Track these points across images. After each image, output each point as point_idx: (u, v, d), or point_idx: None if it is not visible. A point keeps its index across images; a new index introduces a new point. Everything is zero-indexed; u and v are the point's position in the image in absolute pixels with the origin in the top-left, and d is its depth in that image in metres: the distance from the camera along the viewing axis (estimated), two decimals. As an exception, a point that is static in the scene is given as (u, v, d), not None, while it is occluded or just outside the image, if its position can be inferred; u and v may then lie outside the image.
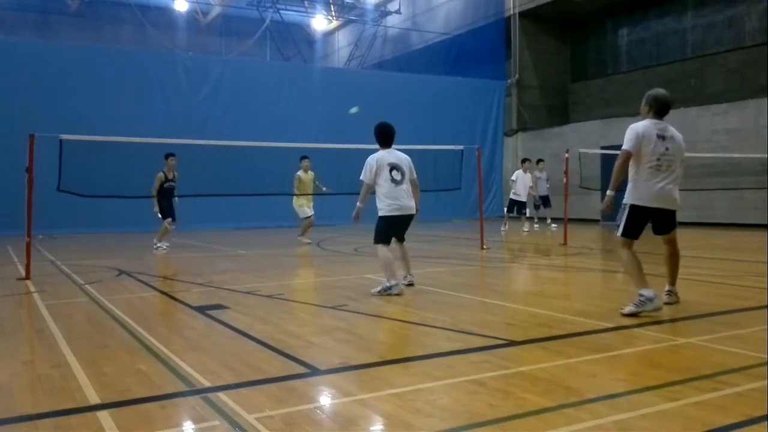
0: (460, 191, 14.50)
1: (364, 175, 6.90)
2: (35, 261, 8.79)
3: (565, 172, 13.08)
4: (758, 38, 17.43)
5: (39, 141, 8.32)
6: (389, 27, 28.65)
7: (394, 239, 7.09)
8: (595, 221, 17.84)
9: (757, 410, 3.08)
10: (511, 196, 16.18)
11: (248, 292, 7.09)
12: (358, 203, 6.98)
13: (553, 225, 16.74)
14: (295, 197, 13.11)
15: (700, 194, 17.32)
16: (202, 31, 29.00)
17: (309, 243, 13.03)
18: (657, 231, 6.03)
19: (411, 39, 27.48)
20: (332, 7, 29.70)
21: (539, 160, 17.73)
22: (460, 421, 3.04)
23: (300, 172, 13.18)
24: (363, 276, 8.21)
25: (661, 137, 5.75)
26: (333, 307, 6.00)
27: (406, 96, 21.30)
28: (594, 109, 21.95)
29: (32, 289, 7.37)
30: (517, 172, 16.29)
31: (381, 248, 6.84)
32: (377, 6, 28.97)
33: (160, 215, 12.14)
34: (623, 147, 5.69)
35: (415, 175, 7.18)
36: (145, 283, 7.76)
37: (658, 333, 4.76)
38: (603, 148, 18.50)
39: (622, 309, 5.47)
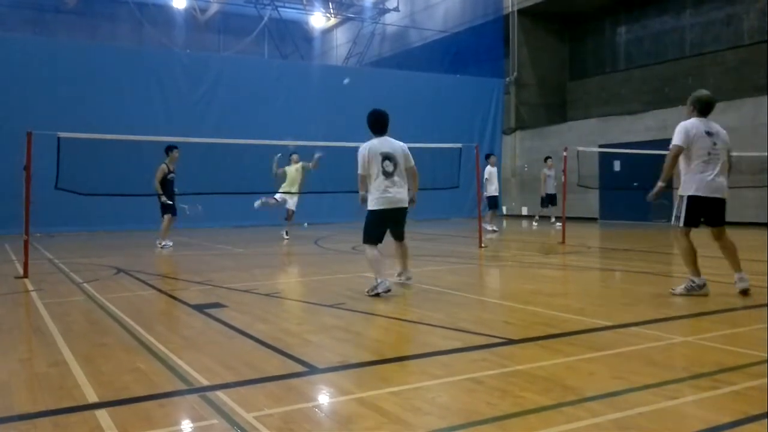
0: (458, 190, 14.51)
1: (360, 167, 6.64)
2: (33, 259, 8.78)
3: (564, 171, 13.09)
4: (757, 36, 17.43)
5: (37, 139, 8.30)
6: (388, 24, 28.62)
7: (392, 238, 6.86)
8: (593, 220, 17.84)
9: (755, 408, 3.09)
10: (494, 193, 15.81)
11: (246, 291, 7.09)
12: (360, 192, 6.74)
13: (558, 224, 16.61)
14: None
15: (698, 192, 17.34)
16: (200, 29, 28.93)
17: (287, 238, 13.05)
18: (710, 222, 6.42)
19: (409, 37, 27.46)
20: (330, 4, 29.64)
21: (547, 158, 17.50)
22: (458, 419, 3.04)
23: (289, 167, 13.33)
24: (361, 274, 8.20)
25: (709, 133, 6.31)
26: (331, 306, 6.00)
27: (404, 94, 21.26)
28: (592, 108, 21.96)
29: (30, 287, 7.36)
30: (487, 168, 15.80)
31: (369, 248, 6.59)
32: (375, 3, 28.93)
33: (162, 208, 12.12)
34: (674, 143, 6.32)
35: (412, 163, 6.83)
36: (144, 282, 7.75)
37: (657, 331, 4.76)
38: (601, 146, 18.54)
39: (673, 289, 6.33)
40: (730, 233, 6.63)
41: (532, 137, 22.80)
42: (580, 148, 15.78)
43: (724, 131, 6.51)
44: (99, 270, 8.90)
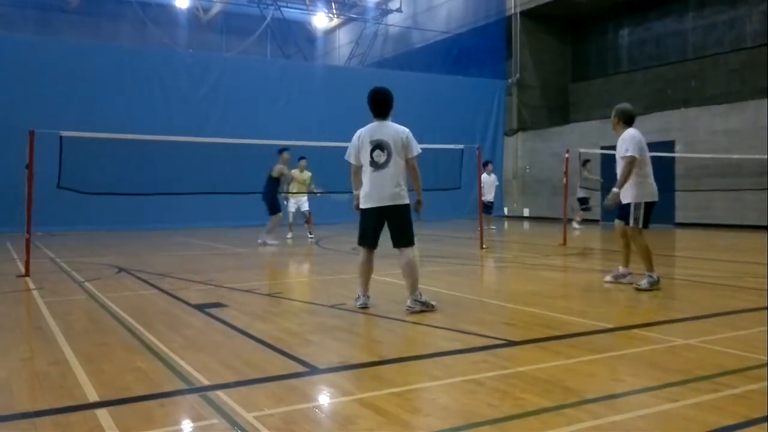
0: (460, 191, 14.51)
1: (347, 154, 5.79)
2: (35, 258, 8.79)
3: (565, 173, 13.08)
4: (759, 39, 17.43)
5: (39, 137, 8.31)
6: (390, 25, 28.63)
7: (393, 245, 5.84)
8: (595, 221, 17.83)
9: (756, 412, 3.09)
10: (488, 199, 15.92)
11: (247, 291, 7.10)
12: (354, 191, 5.85)
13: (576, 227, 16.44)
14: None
15: (700, 195, 17.34)
16: (203, 29, 28.96)
17: (275, 244, 12.87)
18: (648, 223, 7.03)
19: (412, 38, 27.47)
20: (333, 5, 29.67)
21: (586, 161, 17.14)
22: (458, 420, 3.04)
23: (295, 171, 13.35)
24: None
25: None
26: (332, 306, 6.00)
27: (406, 95, 21.14)
28: (594, 109, 21.95)
29: (31, 286, 7.37)
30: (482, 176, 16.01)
31: (360, 252, 5.84)
32: (378, 4, 28.95)
33: (271, 208, 12.50)
34: (630, 153, 6.77)
35: (413, 154, 5.73)
36: (145, 281, 7.75)
37: (657, 334, 4.76)
38: (603, 148, 18.51)
39: (638, 284, 6.80)
40: (731, 236, 6.69)
41: (534, 139, 22.80)
42: (582, 150, 15.79)
43: None
44: (100, 269, 8.91)
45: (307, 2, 28.77)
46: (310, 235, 13.75)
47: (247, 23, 27.32)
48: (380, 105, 5.79)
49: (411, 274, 5.70)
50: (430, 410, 3.16)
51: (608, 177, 19.81)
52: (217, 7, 28.71)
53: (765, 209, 15.55)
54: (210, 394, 3.42)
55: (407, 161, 5.71)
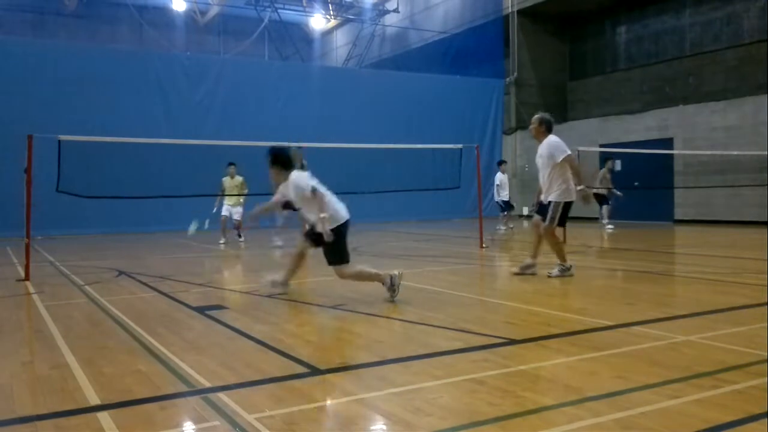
0: (459, 190, 14.52)
1: (310, 184, 6.12)
2: (34, 262, 8.79)
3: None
4: (757, 35, 17.43)
5: (37, 142, 8.30)
6: (387, 26, 28.64)
7: (308, 250, 6.53)
8: (594, 219, 17.84)
9: (757, 407, 3.09)
10: (506, 198, 16.28)
11: (248, 292, 7.10)
12: (321, 214, 6.02)
13: (609, 225, 16.34)
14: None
15: (699, 191, 17.35)
16: (201, 31, 28.96)
17: (223, 243, 13.22)
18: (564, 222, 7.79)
19: (409, 38, 27.48)
20: (330, 6, 29.67)
21: (607, 159, 16.89)
22: (460, 419, 3.04)
23: (225, 178, 13.44)
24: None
25: None
26: (332, 307, 6.00)
27: (404, 95, 21.30)
28: (593, 107, 21.97)
29: (31, 290, 7.36)
30: (497, 174, 16.37)
31: (351, 267, 6.25)
32: (375, 5, 28.95)
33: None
34: (567, 152, 7.57)
35: None
36: (145, 284, 7.75)
37: (658, 331, 4.76)
38: (602, 146, 18.54)
39: (549, 273, 7.52)
40: (731, 232, 6.74)
41: (532, 137, 22.77)
42: (581, 148, 15.77)
43: None
44: (100, 272, 8.91)
45: (304, 4, 28.77)
46: (239, 238, 13.79)
47: (244, 25, 27.34)
48: (292, 161, 6.58)
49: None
50: (432, 410, 3.15)
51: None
52: (214, 10, 28.71)
53: (764, 205, 15.56)
54: (211, 396, 3.41)
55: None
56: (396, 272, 6.26)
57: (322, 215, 6.00)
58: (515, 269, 7.94)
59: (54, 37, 24.05)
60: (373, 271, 6.32)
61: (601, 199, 16.89)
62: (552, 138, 7.71)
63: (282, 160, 6.47)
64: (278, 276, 6.68)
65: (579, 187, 7.68)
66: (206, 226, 12.11)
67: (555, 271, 7.55)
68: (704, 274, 8.13)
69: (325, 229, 5.95)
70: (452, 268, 9.38)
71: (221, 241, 13.59)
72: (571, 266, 7.59)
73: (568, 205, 7.56)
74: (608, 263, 10.02)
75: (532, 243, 7.97)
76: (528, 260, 7.84)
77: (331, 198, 6.22)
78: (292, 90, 19.83)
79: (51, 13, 26.04)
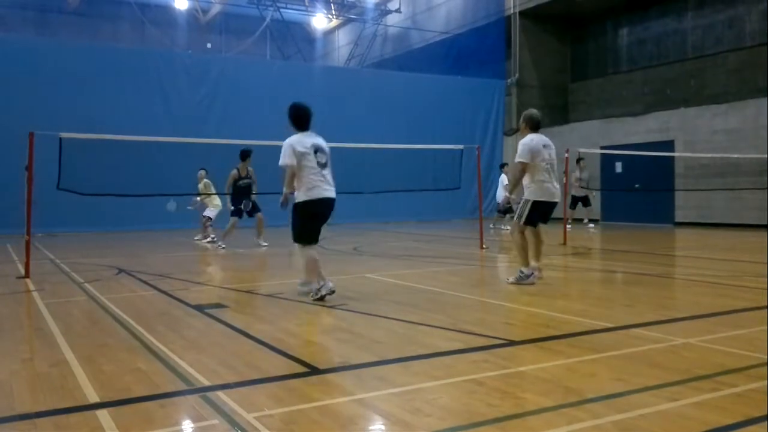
0: (460, 191, 14.51)
1: (285, 159, 6.15)
2: (35, 259, 8.79)
3: (565, 173, 13.09)
4: (758, 39, 17.42)
5: (38, 139, 8.31)
6: (389, 26, 28.64)
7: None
8: (595, 221, 17.84)
9: (756, 410, 3.09)
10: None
11: (248, 291, 7.10)
12: (284, 189, 6.24)
13: (591, 225, 16.56)
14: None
15: (699, 194, 17.34)
16: (202, 30, 28.98)
17: (206, 241, 13.18)
18: (543, 220, 7.47)
19: (411, 38, 27.48)
20: (332, 5, 29.69)
21: (579, 159, 16.87)
22: (459, 420, 3.04)
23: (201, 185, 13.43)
24: (362, 275, 8.21)
25: (545, 146, 7.31)
26: (332, 307, 6.00)
27: (405, 95, 21.30)
28: (594, 109, 21.96)
29: (32, 287, 7.37)
30: (502, 176, 16.20)
31: (304, 249, 6.20)
32: (377, 5, 28.96)
33: (231, 212, 12.36)
34: (519, 160, 7.25)
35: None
36: (145, 282, 7.76)
37: (658, 333, 4.76)
38: (603, 147, 18.54)
39: (508, 279, 7.34)
40: (731, 235, 6.69)
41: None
42: (582, 150, 15.79)
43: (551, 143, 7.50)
44: (100, 270, 8.91)
45: (307, 3, 28.78)
46: (197, 239, 13.79)
47: (246, 24, 27.34)
48: (307, 118, 6.50)
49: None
50: (431, 410, 3.16)
51: (607, 177, 19.98)
52: (216, 8, 28.73)
53: (765, 208, 15.55)
54: (210, 394, 3.42)
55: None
56: (330, 285, 6.21)
57: (285, 190, 6.23)
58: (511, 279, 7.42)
59: (56, 35, 24.06)
60: (317, 270, 6.22)
61: (582, 201, 16.94)
62: (525, 138, 7.39)
63: (289, 115, 6.49)
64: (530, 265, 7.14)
65: (507, 194, 7.41)
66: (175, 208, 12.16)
67: (512, 278, 7.28)
68: (704, 276, 8.13)
69: (282, 199, 6.31)
70: (452, 269, 9.38)
71: (200, 238, 13.74)
72: (532, 273, 7.18)
73: (536, 204, 7.19)
74: (608, 265, 10.03)
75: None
76: (532, 263, 7.45)
77: (310, 174, 6.14)
78: (294, 89, 19.73)
79: (53, 11, 26.05)
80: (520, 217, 7.33)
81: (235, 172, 12.04)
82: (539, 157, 7.20)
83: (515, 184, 7.50)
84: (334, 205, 6.35)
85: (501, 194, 16.26)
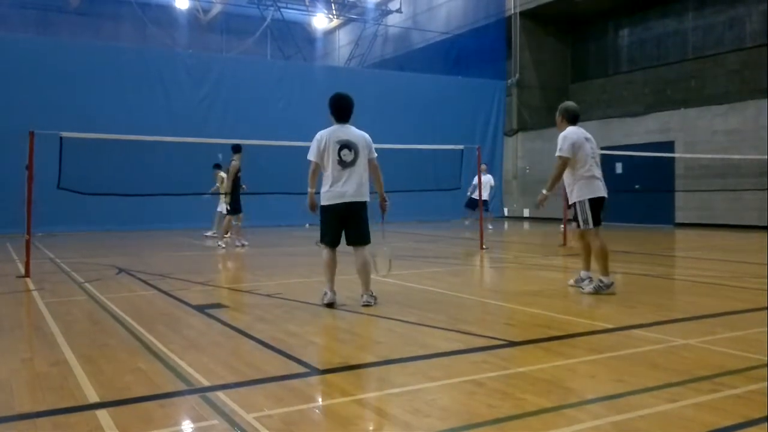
0: (460, 191, 14.52)
1: (310, 153, 5.95)
2: (35, 259, 8.79)
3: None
4: (759, 39, 17.42)
5: (39, 138, 8.31)
6: (390, 26, 28.65)
7: (347, 242, 5.97)
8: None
9: (756, 412, 3.09)
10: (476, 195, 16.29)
11: (248, 291, 7.10)
12: (309, 189, 5.98)
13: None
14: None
15: (700, 195, 17.34)
16: (203, 29, 28.98)
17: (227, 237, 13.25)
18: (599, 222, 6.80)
19: (411, 38, 27.49)
20: (333, 5, 29.69)
21: None
22: (458, 421, 3.04)
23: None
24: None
25: (587, 139, 6.86)
26: (332, 307, 5.99)
27: (406, 95, 21.30)
28: (594, 110, 21.96)
29: (32, 287, 7.37)
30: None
31: (323, 250, 5.98)
32: (378, 5, 28.96)
33: (227, 211, 12.41)
34: (559, 155, 6.72)
35: (375, 155, 6.10)
36: (145, 282, 7.76)
37: (657, 334, 4.76)
38: (603, 148, 18.50)
39: (582, 289, 6.69)
40: (731, 236, 6.67)
41: (533, 139, 22.80)
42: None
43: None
44: (100, 270, 8.91)
45: (307, 3, 28.78)
46: (211, 234, 14.01)
47: (247, 24, 27.35)
48: (346, 110, 6.16)
49: (367, 272, 6.06)
50: (430, 411, 3.16)
51: (607, 177, 19.89)
52: (217, 8, 28.73)
53: (765, 209, 15.55)
54: (210, 394, 3.42)
55: (370, 162, 6.04)
56: (330, 298, 5.94)
57: (309, 189, 6.01)
58: (571, 282, 7.11)
59: (57, 35, 24.07)
60: (330, 275, 6.01)
61: None
62: (565, 131, 6.85)
63: (329, 104, 6.22)
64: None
65: (544, 191, 6.83)
66: None
67: (589, 287, 6.68)
68: (704, 278, 8.12)
69: (308, 201, 6.05)
70: (452, 269, 9.37)
71: (212, 233, 14.07)
72: (612, 283, 6.63)
73: (592, 202, 6.64)
74: (609, 266, 10.01)
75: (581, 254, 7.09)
76: (582, 273, 7.01)
77: (329, 172, 5.84)
78: (294, 89, 19.82)
79: (54, 10, 26.07)
80: (586, 221, 6.68)
81: (236, 163, 11.99)
82: (582, 150, 6.69)
83: (555, 181, 6.82)
84: (359, 207, 5.87)
85: (472, 192, 16.26)
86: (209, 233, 14.08)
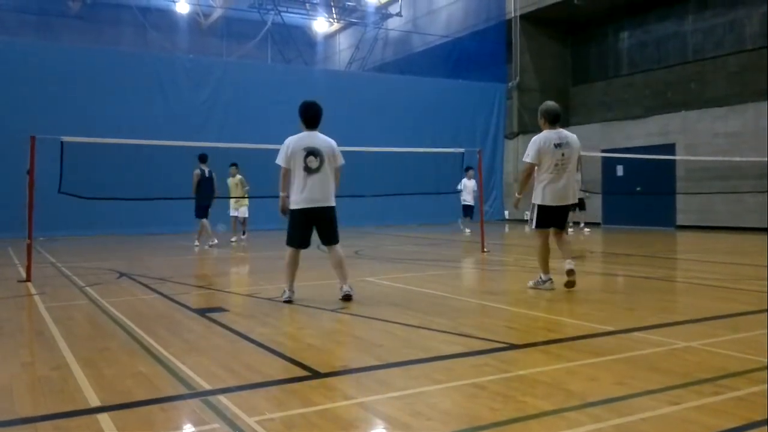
0: (461, 194, 14.51)
1: (278, 158, 6.25)
2: (36, 263, 8.79)
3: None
4: (759, 42, 17.43)
5: (40, 143, 8.32)
6: (390, 30, 28.67)
7: (322, 244, 6.50)
8: (596, 224, 17.85)
9: (757, 414, 3.08)
10: (463, 202, 16.48)
11: (248, 295, 7.10)
12: (280, 192, 6.36)
13: (587, 229, 16.78)
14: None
15: (700, 197, 17.34)
16: (204, 33, 29.01)
17: (234, 240, 14.03)
18: (558, 225, 7.12)
19: (412, 42, 27.51)
20: (333, 9, 29.73)
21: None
22: (460, 424, 3.04)
23: (228, 179, 13.92)
24: (363, 279, 8.20)
25: (558, 145, 6.88)
26: (333, 310, 6.00)
27: (406, 99, 21.32)
28: (595, 113, 21.97)
29: (33, 291, 7.37)
30: (463, 180, 16.08)
31: (288, 251, 6.34)
32: (378, 9, 29.00)
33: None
34: (525, 161, 6.93)
35: (339, 162, 6.39)
36: (146, 286, 7.76)
37: (659, 337, 4.75)
38: (604, 151, 18.54)
39: (529, 283, 7.15)
40: (732, 239, 6.67)
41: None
42: (583, 153, 15.73)
43: (574, 136, 7.12)
44: (101, 274, 8.91)
45: (308, 7, 28.82)
46: (242, 236, 14.41)
47: (247, 28, 27.37)
48: (314, 117, 6.41)
49: (343, 266, 6.47)
50: (432, 414, 3.15)
51: (608, 180, 19.96)
52: (217, 12, 28.77)
53: (765, 212, 15.54)
54: (211, 398, 3.41)
55: (336, 169, 6.39)
56: (288, 296, 6.30)
57: (280, 193, 6.37)
58: (530, 284, 7.30)
59: (57, 39, 24.08)
60: (291, 275, 6.37)
61: (578, 204, 16.92)
62: (537, 136, 7.02)
63: (298, 112, 6.43)
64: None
65: (516, 194, 7.29)
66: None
67: (531, 282, 7.21)
68: (705, 280, 8.12)
69: (280, 205, 6.42)
70: (453, 272, 9.37)
71: (232, 239, 14.12)
72: (549, 279, 7.03)
73: (542, 209, 6.91)
74: (609, 268, 10.01)
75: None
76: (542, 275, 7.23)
77: (296, 179, 6.17)
78: (295, 93, 19.65)
79: (55, 14, 26.10)
80: (530, 222, 7.17)
81: (198, 172, 12.75)
82: (546, 156, 6.82)
83: (523, 185, 7.13)
84: (329, 211, 6.28)
85: (468, 198, 16.33)
86: (233, 239, 14.23)
